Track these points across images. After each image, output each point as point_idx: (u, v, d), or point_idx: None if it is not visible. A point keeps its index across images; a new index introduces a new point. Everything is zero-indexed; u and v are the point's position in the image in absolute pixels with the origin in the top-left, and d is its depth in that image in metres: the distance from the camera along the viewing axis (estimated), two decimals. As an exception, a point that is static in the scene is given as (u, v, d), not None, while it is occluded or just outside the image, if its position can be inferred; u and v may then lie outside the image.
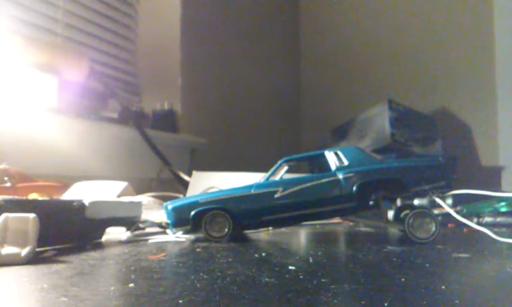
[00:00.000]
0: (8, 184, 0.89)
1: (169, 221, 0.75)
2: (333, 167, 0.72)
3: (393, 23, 2.04)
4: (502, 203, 0.92)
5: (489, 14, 1.73)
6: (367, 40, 2.12)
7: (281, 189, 0.71)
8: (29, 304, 0.33)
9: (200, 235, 0.74)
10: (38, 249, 0.53)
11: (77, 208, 0.64)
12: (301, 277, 0.42)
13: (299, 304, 0.33)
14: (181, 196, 1.19)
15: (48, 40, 1.31)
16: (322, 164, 0.76)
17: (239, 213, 0.72)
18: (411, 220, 0.67)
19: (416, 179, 0.70)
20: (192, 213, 0.72)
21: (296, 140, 2.30)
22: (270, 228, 0.87)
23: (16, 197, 0.58)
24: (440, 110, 1.84)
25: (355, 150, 0.74)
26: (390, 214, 0.82)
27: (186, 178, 1.37)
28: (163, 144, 1.48)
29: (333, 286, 0.38)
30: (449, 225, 0.94)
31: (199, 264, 0.49)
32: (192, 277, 0.42)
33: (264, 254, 0.57)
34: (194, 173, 1.17)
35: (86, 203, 0.65)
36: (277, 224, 0.78)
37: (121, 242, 0.70)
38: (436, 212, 0.89)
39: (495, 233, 0.70)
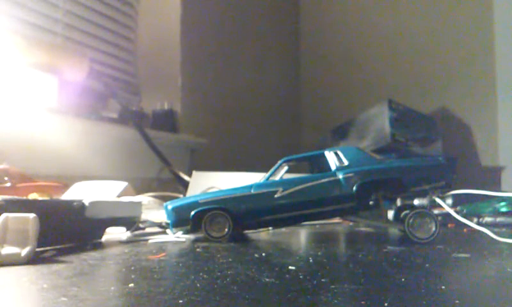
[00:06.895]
0: (8, 184, 0.89)
1: (169, 221, 0.75)
2: (333, 167, 0.72)
3: (393, 23, 2.04)
4: (502, 203, 0.92)
5: (489, 14, 1.73)
6: (366, 40, 2.12)
7: (281, 189, 0.71)
8: (29, 304, 0.33)
9: (200, 235, 0.74)
10: (38, 249, 0.53)
11: (77, 208, 0.64)
12: (301, 277, 0.42)
13: (299, 304, 0.33)
14: (181, 196, 1.19)
15: (48, 40, 1.31)
16: (322, 164, 0.76)
17: (239, 213, 0.72)
18: (411, 220, 0.67)
19: (416, 179, 0.70)
20: (192, 213, 0.72)
21: (296, 140, 2.30)
22: (270, 228, 0.87)
23: (16, 197, 0.58)
24: (439, 110, 1.84)
25: (355, 150, 0.74)
26: (390, 214, 0.82)
27: (186, 178, 1.37)
28: (163, 144, 1.48)
29: (333, 286, 0.38)
30: (449, 225, 0.94)
31: (199, 264, 0.49)
32: (192, 277, 0.42)
33: (264, 254, 0.57)
34: (194, 173, 1.17)
35: (86, 203, 0.65)
36: (277, 224, 0.78)
37: (121, 242, 0.70)
38: (436, 212, 0.89)
39: (495, 233, 0.70)
